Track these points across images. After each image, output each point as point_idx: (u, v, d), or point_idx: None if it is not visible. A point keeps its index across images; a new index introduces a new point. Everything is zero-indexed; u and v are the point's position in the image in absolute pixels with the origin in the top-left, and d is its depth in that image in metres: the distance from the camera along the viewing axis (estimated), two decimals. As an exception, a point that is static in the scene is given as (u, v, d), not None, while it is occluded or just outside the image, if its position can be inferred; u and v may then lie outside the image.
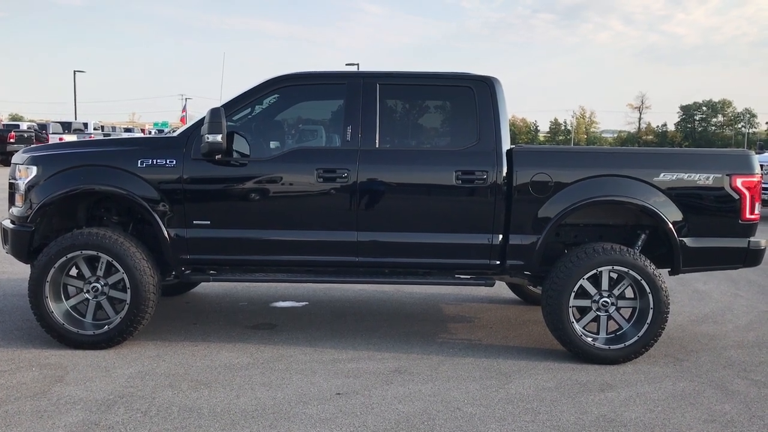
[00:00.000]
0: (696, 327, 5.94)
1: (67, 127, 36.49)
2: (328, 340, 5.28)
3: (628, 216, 5.17)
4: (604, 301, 4.86)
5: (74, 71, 56.23)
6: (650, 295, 4.77)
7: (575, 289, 4.80)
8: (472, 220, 4.92)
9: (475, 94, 5.02)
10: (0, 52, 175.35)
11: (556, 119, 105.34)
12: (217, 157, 4.83)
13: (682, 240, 4.88)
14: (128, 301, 4.82)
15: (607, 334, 4.91)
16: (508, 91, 5.16)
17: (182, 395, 4.08)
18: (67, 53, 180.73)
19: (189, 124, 5.29)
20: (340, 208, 4.90)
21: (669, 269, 5.08)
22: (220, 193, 4.97)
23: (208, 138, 4.67)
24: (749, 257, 5.00)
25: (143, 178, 4.86)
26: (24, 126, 34.03)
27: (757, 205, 5.00)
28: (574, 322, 4.83)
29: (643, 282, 4.77)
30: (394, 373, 4.55)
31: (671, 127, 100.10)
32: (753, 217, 4.95)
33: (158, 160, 4.89)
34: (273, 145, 5.35)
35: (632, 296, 4.90)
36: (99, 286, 4.91)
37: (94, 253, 4.82)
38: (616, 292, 4.88)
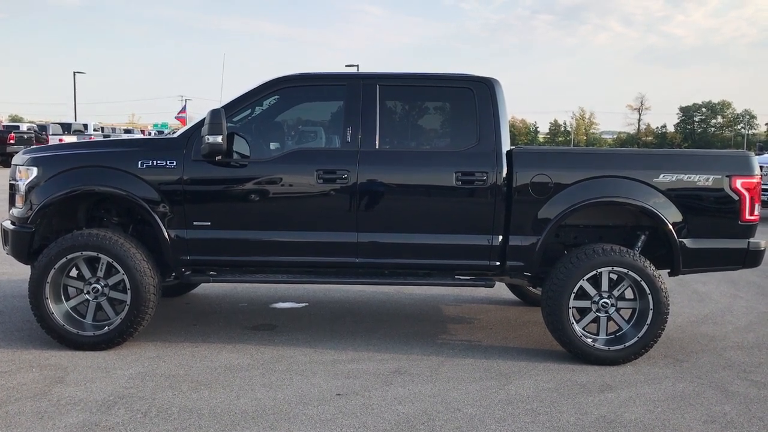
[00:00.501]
0: (696, 328, 5.94)
1: (67, 128, 36.47)
2: (328, 341, 5.28)
3: (628, 217, 5.18)
4: (604, 302, 4.87)
5: (74, 72, 56.33)
6: (650, 296, 4.77)
7: (575, 290, 4.80)
8: (472, 221, 4.92)
9: (474, 95, 5.03)
10: None
11: (555, 120, 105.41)
12: (217, 158, 4.83)
13: (682, 241, 4.89)
14: (128, 302, 4.82)
15: (606, 335, 4.91)
16: (508, 92, 5.17)
17: (182, 396, 4.08)
18: (66, 54, 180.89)
19: (189, 125, 5.29)
20: (340, 209, 4.91)
21: (669, 270, 5.09)
22: (221, 194, 4.97)
23: (208, 139, 4.68)
24: (749, 258, 5.00)
25: (143, 179, 4.87)
26: (24, 127, 34.04)
27: (757, 206, 5.00)
28: (574, 323, 4.83)
29: (642, 283, 4.78)
30: (394, 374, 4.56)
31: (671, 129, 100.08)
32: (752, 218, 4.95)
33: (158, 161, 4.90)
34: (273, 146, 5.36)
35: (632, 297, 4.90)
36: (99, 287, 4.91)
37: (95, 254, 4.82)
38: (615, 293, 4.88)
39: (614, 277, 4.90)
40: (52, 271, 4.81)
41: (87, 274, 4.93)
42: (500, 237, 4.93)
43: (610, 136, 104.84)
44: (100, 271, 4.90)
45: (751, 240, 4.99)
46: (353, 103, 5.01)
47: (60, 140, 29.19)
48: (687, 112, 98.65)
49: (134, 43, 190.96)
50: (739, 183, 4.89)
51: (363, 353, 5.01)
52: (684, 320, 6.17)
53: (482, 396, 4.20)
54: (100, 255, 4.82)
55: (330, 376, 4.49)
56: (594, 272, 4.80)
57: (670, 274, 5.11)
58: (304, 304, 6.52)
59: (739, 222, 4.93)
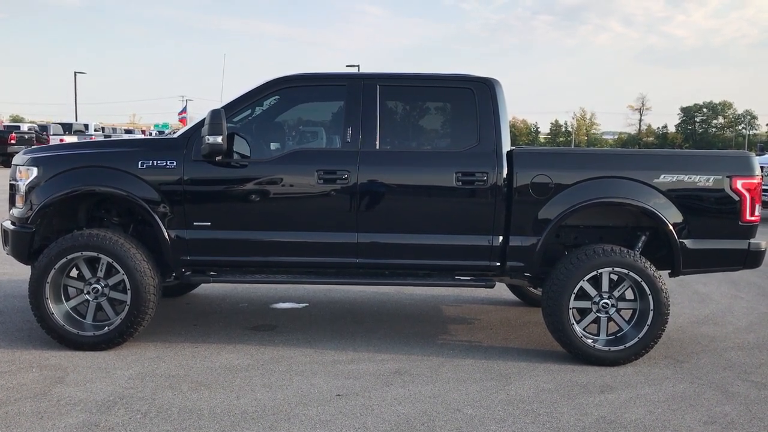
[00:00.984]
0: (696, 329, 5.94)
1: (67, 128, 36.47)
2: (328, 342, 5.28)
3: (629, 217, 5.17)
4: (605, 303, 4.86)
5: (75, 72, 56.40)
6: (650, 297, 4.77)
7: (575, 290, 4.80)
8: (473, 221, 4.92)
9: (475, 96, 5.02)
10: (0, 53, 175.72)
11: (556, 120, 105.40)
12: (217, 158, 4.83)
13: (683, 241, 4.88)
14: (128, 303, 4.82)
15: (607, 336, 4.91)
16: (509, 92, 5.18)
17: (182, 396, 4.08)
18: (67, 54, 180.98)
19: (189, 125, 5.29)
20: (341, 210, 4.90)
21: (669, 271, 5.09)
22: (221, 194, 4.97)
23: (208, 139, 4.68)
24: (749, 259, 5.00)
25: (144, 180, 4.87)
26: (25, 127, 34.06)
27: (758, 207, 5.00)
28: (575, 323, 4.83)
29: (643, 283, 4.77)
30: (394, 375, 4.55)
31: (672, 129, 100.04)
32: (753, 218, 4.95)
33: (158, 162, 4.89)
34: (273, 146, 5.36)
35: (632, 298, 4.90)
36: (99, 287, 4.91)
37: (95, 254, 4.82)
38: (616, 293, 4.88)
39: (615, 277, 4.89)
40: (53, 271, 4.81)
41: (87, 274, 4.93)
42: (500, 237, 4.92)
43: (611, 137, 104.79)
44: (101, 271, 4.90)
45: (752, 241, 4.98)
46: (353, 103, 5.00)
47: (61, 140, 29.20)
48: (688, 113, 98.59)
49: (135, 43, 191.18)
50: (739, 183, 4.88)
51: (363, 354, 5.00)
52: (684, 321, 6.16)
53: (482, 397, 4.20)
54: (100, 255, 4.82)
55: (330, 376, 4.49)
56: (594, 273, 4.80)
57: (671, 275, 5.11)
58: (304, 305, 6.52)
59: (740, 223, 4.92)
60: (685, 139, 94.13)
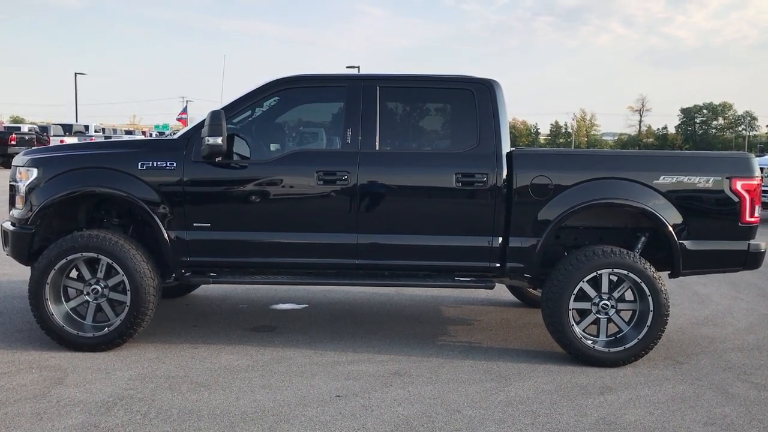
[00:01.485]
0: (696, 330, 5.94)
1: (68, 129, 36.50)
2: (328, 343, 5.28)
3: (628, 219, 5.17)
4: (604, 304, 4.86)
5: (75, 73, 56.43)
6: (650, 298, 4.77)
7: (575, 291, 4.80)
8: (472, 222, 4.92)
9: (475, 97, 5.03)
10: (0, 53, 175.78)
11: (556, 122, 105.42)
12: (217, 159, 4.83)
13: (682, 243, 4.88)
14: (128, 304, 4.82)
15: (606, 337, 4.91)
16: (509, 93, 5.18)
17: (182, 397, 4.08)
18: (67, 55, 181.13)
19: (189, 126, 5.29)
20: (340, 211, 4.91)
21: (669, 272, 5.09)
22: (221, 195, 4.97)
23: (208, 140, 4.68)
24: (749, 260, 5.00)
25: (143, 181, 4.87)
26: (25, 128, 34.07)
27: (757, 208, 5.00)
28: (574, 324, 4.83)
29: (642, 285, 4.77)
30: (393, 376, 4.55)
31: (672, 130, 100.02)
32: (753, 219, 4.95)
33: (158, 163, 4.90)
34: (273, 147, 5.36)
35: (632, 299, 4.90)
36: (99, 288, 4.91)
37: (95, 255, 4.82)
38: (615, 294, 4.88)
39: (614, 278, 4.89)
40: (52, 272, 4.81)
41: (87, 275, 4.93)
42: (500, 238, 4.92)
43: (611, 138, 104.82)
44: (100, 272, 4.90)
45: (752, 242, 4.98)
46: (353, 104, 5.01)
47: (61, 141, 29.21)
48: (688, 114, 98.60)
49: (135, 44, 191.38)
50: (739, 185, 4.88)
51: (363, 355, 5.00)
52: (684, 322, 6.16)
53: (482, 398, 4.19)
54: (100, 256, 4.82)
55: (330, 377, 4.49)
56: (594, 274, 4.80)
57: (671, 276, 5.11)
58: (304, 306, 6.52)
59: (740, 224, 4.93)
60: (685, 140, 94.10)
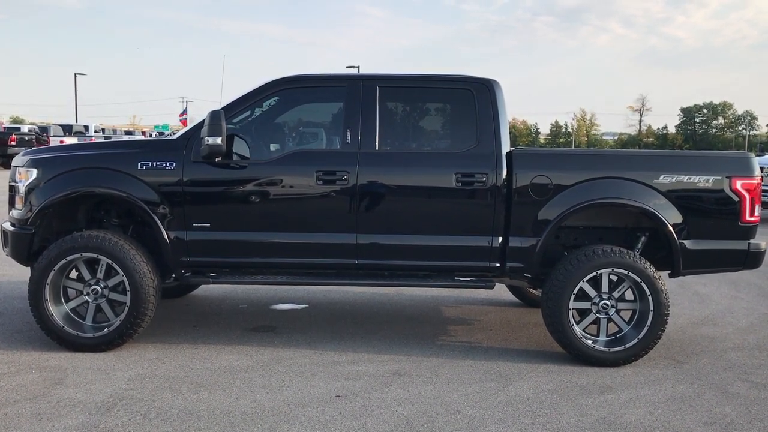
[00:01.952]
0: (696, 329, 5.93)
1: (68, 129, 36.51)
2: (328, 343, 5.27)
3: (628, 218, 5.17)
4: (604, 304, 4.86)
5: (75, 74, 56.46)
6: (650, 298, 4.76)
7: (575, 291, 4.80)
8: (472, 222, 4.92)
9: (474, 97, 5.02)
10: (0, 54, 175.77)
11: (556, 121, 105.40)
12: (216, 159, 4.83)
13: (682, 242, 4.88)
14: (128, 304, 4.82)
15: (607, 337, 4.90)
16: (509, 93, 5.17)
17: (182, 398, 4.07)
18: (67, 56, 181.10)
19: (189, 126, 5.29)
20: (340, 211, 4.90)
21: (669, 271, 5.08)
22: (220, 195, 4.97)
23: (207, 141, 4.68)
24: (749, 259, 5.00)
25: (143, 181, 4.87)
26: (25, 129, 34.07)
27: (757, 208, 5.00)
28: (574, 324, 4.83)
29: (643, 284, 4.77)
30: (393, 376, 4.55)
31: (672, 130, 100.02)
32: (753, 219, 4.94)
33: (158, 163, 4.89)
34: (273, 147, 5.36)
35: (632, 298, 4.90)
36: (99, 288, 4.91)
37: (94, 255, 4.82)
38: (616, 294, 4.87)
39: (614, 278, 4.89)
40: (52, 272, 4.81)
41: (87, 275, 4.93)
42: (500, 238, 4.92)
43: (611, 138, 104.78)
44: (100, 272, 4.90)
45: (752, 241, 4.98)
46: (353, 104, 5.00)
47: (61, 142, 29.21)
48: (688, 113, 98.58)
49: (135, 44, 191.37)
50: (739, 184, 4.88)
51: (363, 355, 5.00)
52: (684, 321, 6.16)
53: (482, 397, 4.19)
54: (99, 256, 4.82)
55: (330, 377, 4.49)
56: (594, 273, 4.79)
57: (671, 276, 5.11)
58: (304, 306, 6.52)
59: (740, 223, 4.92)
60: (685, 140, 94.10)
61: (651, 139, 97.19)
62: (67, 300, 4.97)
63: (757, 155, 7.34)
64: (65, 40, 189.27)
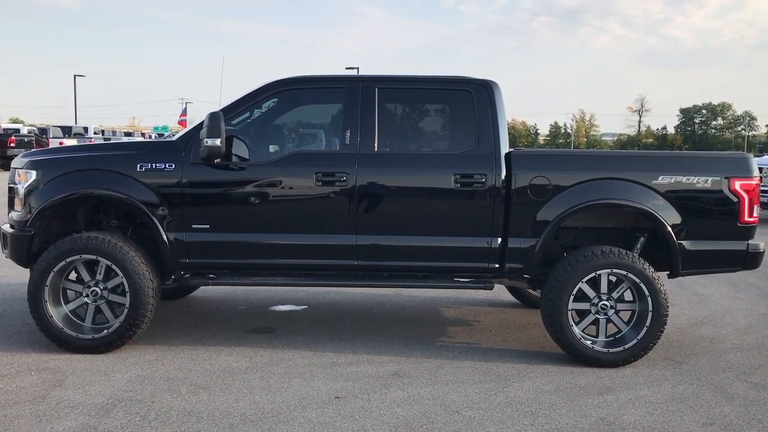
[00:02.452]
0: (695, 330, 5.94)
1: (67, 131, 36.50)
2: (328, 344, 5.28)
3: (627, 219, 5.17)
4: (603, 304, 4.86)
5: (74, 75, 56.52)
6: (649, 298, 4.77)
7: (574, 292, 4.80)
8: (471, 223, 4.92)
9: (473, 98, 5.03)
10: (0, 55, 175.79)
11: (556, 122, 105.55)
12: (215, 161, 4.83)
13: (681, 243, 4.88)
14: (127, 305, 4.82)
15: (606, 337, 4.91)
16: (508, 94, 5.18)
17: (181, 399, 4.07)
18: (67, 57, 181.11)
19: (189, 127, 5.29)
20: (339, 212, 4.90)
21: (668, 272, 5.09)
22: (220, 196, 4.97)
23: (207, 142, 4.68)
24: (748, 260, 5.00)
25: (142, 182, 4.87)
26: (24, 130, 34.06)
27: (756, 208, 5.00)
28: (573, 325, 4.83)
29: (642, 285, 4.78)
30: (393, 377, 4.55)
31: (671, 130, 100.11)
32: (752, 219, 4.95)
33: (157, 164, 4.90)
34: (272, 148, 5.36)
35: (631, 299, 4.90)
36: (98, 290, 4.91)
37: (94, 257, 4.82)
38: (615, 295, 4.88)
39: (613, 279, 4.89)
40: (51, 274, 4.81)
41: (86, 277, 4.93)
42: (499, 239, 4.92)
43: (611, 138, 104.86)
44: (99, 274, 4.89)
45: (750, 242, 4.99)
46: (352, 105, 5.01)
47: (60, 143, 29.18)
48: (687, 114, 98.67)
49: (134, 45, 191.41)
50: (737, 185, 4.89)
51: (362, 356, 5.00)
52: (683, 322, 6.16)
53: (481, 398, 4.19)
54: (99, 258, 4.82)
55: (329, 378, 4.49)
56: (593, 274, 4.80)
57: (670, 276, 5.11)
58: (303, 307, 6.52)
59: (738, 224, 4.93)
60: (684, 141, 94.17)
61: (650, 140, 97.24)
62: (67, 301, 4.97)
63: (756, 156, 7.36)
64: (64, 41, 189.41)
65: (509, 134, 5.25)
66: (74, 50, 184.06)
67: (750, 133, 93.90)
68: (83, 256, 4.82)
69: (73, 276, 5.02)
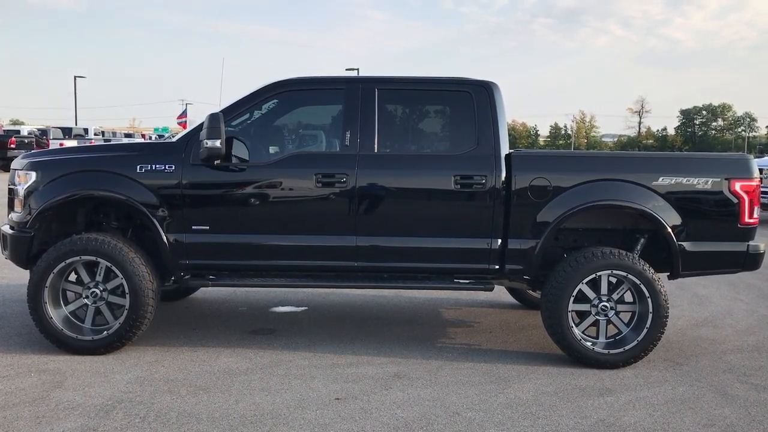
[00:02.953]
0: (695, 331, 5.93)
1: (67, 132, 36.48)
2: (327, 345, 5.27)
3: (627, 220, 5.17)
4: (604, 306, 4.86)
5: (75, 76, 56.47)
6: (649, 299, 4.76)
7: (574, 293, 4.79)
8: (471, 224, 4.92)
9: (473, 99, 5.03)
10: (0, 57, 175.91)
11: (556, 123, 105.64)
12: (215, 162, 4.83)
13: (681, 244, 4.88)
14: (127, 307, 4.81)
15: (606, 339, 4.90)
16: (508, 95, 5.17)
17: (181, 400, 4.07)
18: (67, 58, 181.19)
19: (188, 129, 5.29)
20: (339, 213, 4.90)
21: (668, 273, 5.08)
22: (219, 198, 4.97)
23: (206, 143, 4.68)
24: (748, 261, 5.00)
25: (142, 184, 4.87)
26: (25, 131, 34.04)
27: (756, 209, 5.00)
28: (574, 326, 4.82)
29: (642, 286, 4.77)
30: (393, 378, 4.55)
31: (671, 131, 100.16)
32: (752, 221, 4.95)
33: (157, 166, 4.90)
34: (272, 150, 5.36)
35: (631, 300, 4.90)
36: (98, 291, 4.91)
37: (93, 258, 4.81)
38: (615, 296, 4.87)
39: (613, 280, 4.89)
40: (51, 275, 4.80)
41: (86, 278, 4.92)
42: (499, 240, 4.92)
43: (611, 139, 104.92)
44: (99, 275, 4.89)
45: (751, 243, 4.98)
46: (352, 106, 5.01)
47: (60, 144, 29.17)
48: (687, 115, 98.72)
49: (134, 46, 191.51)
50: (738, 186, 4.88)
51: (362, 357, 5.00)
52: (684, 323, 6.16)
53: (482, 400, 4.19)
54: (98, 259, 4.81)
55: (329, 380, 4.49)
56: (593, 275, 4.79)
57: (670, 277, 5.11)
58: (303, 308, 6.52)
59: (739, 225, 4.92)
60: (684, 142, 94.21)
61: (650, 141, 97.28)
62: (66, 303, 4.97)
63: (756, 157, 7.36)
64: (65, 42, 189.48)
65: (509, 135, 5.25)
66: (74, 52, 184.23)
67: (750, 134, 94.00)
68: (83, 257, 4.82)
69: (72, 277, 5.02)
